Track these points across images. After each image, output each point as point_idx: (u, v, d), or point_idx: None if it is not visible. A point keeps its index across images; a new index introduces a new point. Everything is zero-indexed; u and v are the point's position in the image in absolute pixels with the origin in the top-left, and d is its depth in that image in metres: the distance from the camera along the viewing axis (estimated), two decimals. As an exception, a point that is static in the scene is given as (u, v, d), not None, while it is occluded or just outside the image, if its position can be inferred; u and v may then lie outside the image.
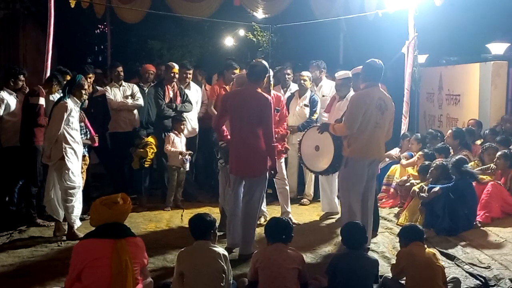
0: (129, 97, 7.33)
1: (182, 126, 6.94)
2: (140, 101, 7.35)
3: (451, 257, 4.87)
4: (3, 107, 6.09)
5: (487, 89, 7.96)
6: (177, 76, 7.02)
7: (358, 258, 3.92)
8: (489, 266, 4.58)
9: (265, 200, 5.72)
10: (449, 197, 5.53)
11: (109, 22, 11.06)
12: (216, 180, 6.48)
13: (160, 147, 6.93)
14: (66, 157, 5.35)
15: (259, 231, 5.25)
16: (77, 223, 5.52)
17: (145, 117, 7.40)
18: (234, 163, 5.07)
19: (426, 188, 5.79)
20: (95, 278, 3.25)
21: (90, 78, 6.52)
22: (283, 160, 6.22)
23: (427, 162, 6.25)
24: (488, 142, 6.73)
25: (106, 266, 3.25)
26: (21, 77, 6.28)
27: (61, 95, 5.60)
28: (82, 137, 5.79)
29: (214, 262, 3.69)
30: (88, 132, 6.02)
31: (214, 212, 6.00)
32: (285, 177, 6.24)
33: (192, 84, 7.46)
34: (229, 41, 14.51)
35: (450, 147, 6.62)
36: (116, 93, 7.26)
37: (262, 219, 5.97)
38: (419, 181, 6.25)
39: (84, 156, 5.89)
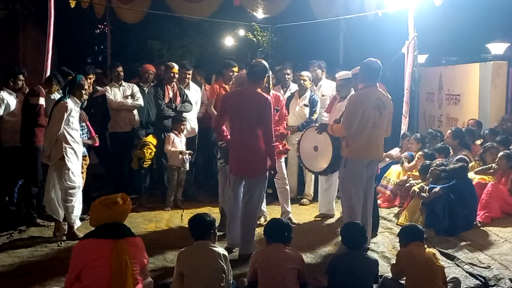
0: (129, 97, 7.34)
1: (182, 126, 6.94)
2: (140, 101, 7.35)
3: (451, 257, 4.87)
4: (3, 107, 6.09)
5: (487, 89, 7.97)
6: (176, 76, 7.02)
7: (358, 258, 3.92)
8: (489, 266, 4.57)
9: (265, 200, 5.72)
10: (449, 197, 5.53)
11: (109, 22, 11.05)
12: (215, 180, 6.48)
13: (160, 147, 6.94)
14: (66, 157, 5.35)
15: (259, 231, 5.24)
16: (77, 223, 5.52)
17: (145, 117, 7.41)
18: (234, 163, 5.07)
19: (426, 188, 5.79)
20: (94, 278, 3.25)
21: (90, 78, 6.52)
22: (283, 159, 6.22)
23: (428, 162, 6.25)
24: (488, 142, 6.73)
25: (106, 266, 3.25)
26: (21, 77, 6.28)
27: (61, 94, 5.60)
28: (83, 137, 5.80)
29: (214, 262, 3.69)
30: (88, 132, 6.02)
31: (214, 212, 6.00)
32: (285, 176, 6.24)
33: (192, 84, 7.47)
34: (229, 41, 14.51)
35: (449, 147, 6.63)
36: (116, 93, 7.26)
37: (262, 219, 5.97)
38: (418, 181, 6.25)
39: (84, 156, 5.90)
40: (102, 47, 14.97)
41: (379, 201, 6.95)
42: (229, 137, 5.19)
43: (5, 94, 6.14)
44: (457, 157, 5.93)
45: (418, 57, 7.38)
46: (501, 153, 6.05)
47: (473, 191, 5.69)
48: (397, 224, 6.03)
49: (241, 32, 13.84)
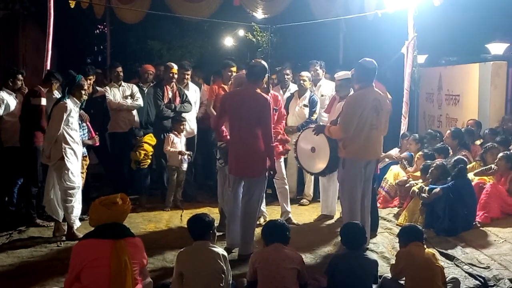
0: (129, 97, 7.34)
1: (181, 127, 6.94)
2: (140, 101, 7.35)
3: (450, 257, 4.87)
4: (3, 107, 6.09)
5: (486, 89, 7.97)
6: (176, 76, 7.02)
7: (357, 259, 3.93)
8: (489, 266, 4.58)
9: (264, 200, 5.71)
10: (449, 197, 5.53)
11: (108, 22, 11.06)
12: (215, 180, 6.48)
13: (160, 148, 6.93)
14: (65, 157, 5.35)
15: (259, 231, 5.22)
16: (77, 224, 5.52)
17: (144, 117, 7.41)
18: (234, 163, 5.07)
19: (426, 188, 5.79)
20: (94, 278, 3.25)
21: (90, 80, 6.51)
22: (282, 160, 6.22)
23: (430, 162, 6.24)
24: (488, 142, 6.73)
25: (106, 266, 3.25)
26: (20, 77, 6.27)
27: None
28: (83, 137, 5.79)
29: (213, 263, 3.69)
30: (88, 132, 6.02)
31: (214, 212, 6.01)
32: (284, 176, 6.24)
33: (191, 84, 7.46)
34: (228, 42, 14.50)
35: (449, 147, 6.63)
36: (115, 93, 7.26)
37: (262, 219, 5.97)
38: (418, 181, 6.25)
39: (84, 156, 5.90)
40: (101, 47, 14.97)
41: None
42: (228, 137, 5.19)
43: (4, 94, 6.14)
44: (455, 158, 5.92)
45: (417, 57, 7.39)
46: (500, 154, 6.05)
47: (472, 191, 5.69)
48: (396, 225, 6.03)
49: (241, 33, 13.82)
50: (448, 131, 6.89)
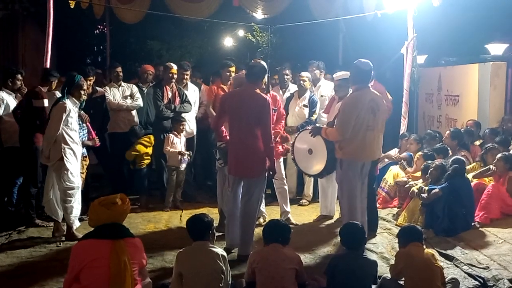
0: (128, 98, 7.34)
1: (181, 127, 6.93)
2: (139, 102, 7.35)
3: (450, 258, 4.87)
4: (2, 107, 6.09)
5: (486, 89, 7.97)
6: (175, 76, 7.02)
7: (357, 259, 3.93)
8: (488, 267, 4.58)
9: (264, 200, 5.72)
10: (448, 197, 5.54)
11: (108, 22, 11.04)
12: (214, 180, 6.48)
13: (159, 148, 6.93)
14: (65, 157, 5.35)
15: (258, 231, 5.23)
16: (76, 224, 5.52)
17: (144, 117, 7.41)
18: (233, 164, 5.07)
19: (426, 189, 5.79)
20: (93, 278, 3.25)
21: (90, 80, 6.50)
22: (281, 160, 6.22)
23: (431, 162, 6.23)
24: (488, 142, 6.73)
25: (105, 266, 3.25)
26: (19, 77, 6.27)
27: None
28: (83, 138, 5.79)
29: (212, 263, 3.69)
30: (88, 133, 6.01)
31: (213, 213, 6.01)
32: (284, 176, 6.24)
33: (190, 84, 7.46)
34: (228, 42, 14.51)
35: (448, 148, 6.63)
36: (115, 94, 7.26)
37: (261, 220, 5.97)
38: (418, 181, 6.25)
39: (84, 156, 5.89)
40: (101, 47, 14.96)
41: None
42: (228, 137, 5.19)
43: (4, 94, 6.14)
44: (452, 158, 5.91)
45: (417, 58, 7.39)
46: (499, 155, 6.04)
47: (470, 191, 5.70)
48: (396, 225, 6.03)
49: (241, 33, 13.83)
50: (448, 132, 6.89)
